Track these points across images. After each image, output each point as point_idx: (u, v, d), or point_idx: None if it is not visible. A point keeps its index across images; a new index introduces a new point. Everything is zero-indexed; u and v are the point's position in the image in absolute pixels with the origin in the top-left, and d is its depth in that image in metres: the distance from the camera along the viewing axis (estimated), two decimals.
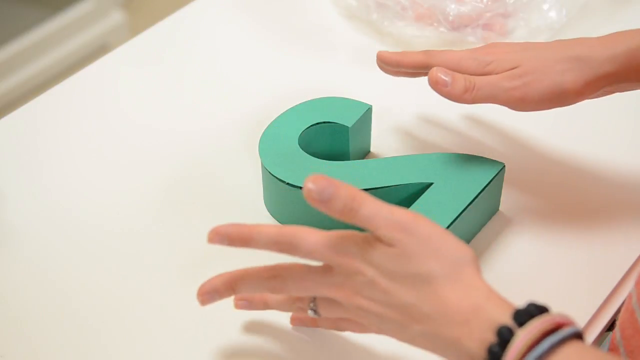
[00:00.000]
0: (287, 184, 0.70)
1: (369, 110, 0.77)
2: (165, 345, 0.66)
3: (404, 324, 0.54)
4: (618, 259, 0.71)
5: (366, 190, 0.70)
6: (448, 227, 0.67)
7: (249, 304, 0.64)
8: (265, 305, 0.63)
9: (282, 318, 0.66)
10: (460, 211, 0.68)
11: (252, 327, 0.67)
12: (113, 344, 0.66)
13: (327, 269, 0.56)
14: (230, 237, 0.57)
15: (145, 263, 0.71)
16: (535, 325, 0.49)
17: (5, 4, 1.90)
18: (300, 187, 0.70)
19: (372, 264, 0.54)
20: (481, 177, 0.70)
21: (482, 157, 0.72)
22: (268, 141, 0.73)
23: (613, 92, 0.71)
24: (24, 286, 0.70)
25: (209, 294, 0.60)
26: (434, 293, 0.52)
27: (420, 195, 0.69)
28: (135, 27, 1.98)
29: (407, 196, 0.71)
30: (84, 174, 0.80)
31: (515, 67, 0.68)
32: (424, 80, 0.85)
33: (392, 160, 0.72)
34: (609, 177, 0.78)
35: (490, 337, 0.50)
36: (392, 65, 0.73)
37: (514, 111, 0.73)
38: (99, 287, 0.70)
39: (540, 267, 0.71)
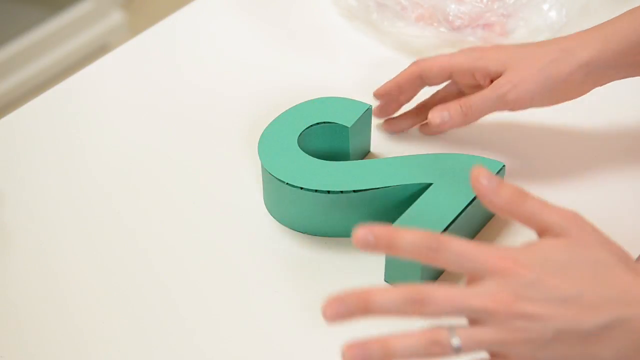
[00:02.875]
0: (287, 184, 0.70)
1: (369, 110, 0.77)
2: (165, 345, 0.66)
3: (580, 319, 0.48)
4: None
5: (366, 190, 0.70)
6: (448, 227, 0.67)
7: (364, 352, 0.49)
8: (386, 353, 0.49)
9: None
10: (460, 211, 0.68)
11: (251, 328, 0.67)
12: (113, 343, 0.66)
13: (475, 279, 0.50)
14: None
15: (145, 263, 0.71)
16: None
17: (5, 4, 1.90)
18: (301, 187, 0.70)
19: (531, 262, 0.49)
20: None
21: (482, 157, 0.72)
22: (267, 141, 0.73)
23: (608, 81, 0.73)
24: (24, 286, 0.70)
25: (339, 313, 0.49)
26: (616, 277, 0.49)
27: (420, 195, 0.69)
28: (135, 27, 1.98)
29: (407, 196, 0.70)
30: (83, 174, 0.80)
31: (502, 71, 0.72)
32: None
33: (392, 161, 0.72)
34: (609, 177, 0.78)
35: None
36: (386, 93, 0.78)
37: (513, 111, 0.74)
38: (98, 287, 0.70)
39: None
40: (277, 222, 0.74)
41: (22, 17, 1.88)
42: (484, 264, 0.49)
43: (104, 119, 0.85)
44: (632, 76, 0.74)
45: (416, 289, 0.49)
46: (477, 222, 0.72)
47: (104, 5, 1.95)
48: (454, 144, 0.80)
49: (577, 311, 0.48)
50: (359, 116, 0.75)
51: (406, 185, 0.70)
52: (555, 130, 0.82)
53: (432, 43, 0.91)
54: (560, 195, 0.76)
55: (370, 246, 0.50)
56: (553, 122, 0.82)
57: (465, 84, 0.76)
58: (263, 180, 0.74)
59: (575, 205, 0.75)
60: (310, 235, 0.73)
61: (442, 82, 0.77)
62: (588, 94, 0.74)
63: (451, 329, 0.49)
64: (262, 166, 0.72)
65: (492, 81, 0.74)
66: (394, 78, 0.78)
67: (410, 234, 0.50)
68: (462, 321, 0.50)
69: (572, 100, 0.74)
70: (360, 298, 0.49)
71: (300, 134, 0.74)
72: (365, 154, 0.80)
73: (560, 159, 0.80)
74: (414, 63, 0.76)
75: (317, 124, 0.75)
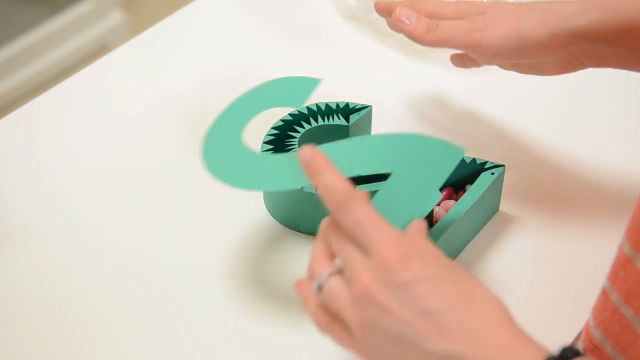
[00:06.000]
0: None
1: (369, 110, 0.77)
2: (165, 345, 0.66)
3: (429, 337, 0.48)
4: None
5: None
6: (447, 227, 0.67)
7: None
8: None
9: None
10: (460, 213, 0.68)
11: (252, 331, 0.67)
12: (113, 343, 0.66)
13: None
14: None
15: (146, 263, 0.71)
16: None
17: (5, 4, 1.90)
18: (301, 187, 0.70)
19: (415, 261, 0.50)
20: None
21: (443, 141, 0.64)
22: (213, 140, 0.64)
23: (599, 64, 0.68)
24: (23, 286, 0.70)
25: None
26: (472, 312, 0.48)
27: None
28: (135, 27, 1.98)
29: None
30: (83, 173, 0.79)
31: (483, 13, 0.68)
32: (424, 80, 0.86)
33: (352, 146, 0.61)
34: (609, 177, 0.78)
35: None
36: (384, 10, 0.73)
37: (514, 111, 0.73)
38: (98, 287, 0.70)
39: (540, 267, 0.71)
40: (277, 222, 0.74)
41: (22, 17, 1.88)
42: (374, 244, 0.50)
43: (104, 119, 0.85)
44: (628, 68, 0.68)
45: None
46: (477, 222, 0.72)
47: (104, 5, 1.95)
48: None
49: (431, 329, 0.48)
50: (358, 116, 0.75)
51: None
52: (555, 130, 0.82)
53: None
54: (560, 195, 0.76)
55: (305, 165, 0.54)
56: (554, 122, 0.82)
57: None
58: None
59: (576, 205, 0.75)
60: (310, 235, 0.73)
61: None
62: (588, 93, 0.73)
63: (327, 275, 0.52)
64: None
65: None
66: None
67: (332, 177, 0.52)
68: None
69: (572, 101, 0.74)
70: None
71: (302, 135, 0.74)
72: None
73: (560, 159, 0.79)
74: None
75: (318, 124, 0.75)
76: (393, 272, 0.49)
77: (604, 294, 0.58)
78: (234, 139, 0.63)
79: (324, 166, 0.54)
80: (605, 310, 0.58)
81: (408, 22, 0.68)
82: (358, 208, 0.51)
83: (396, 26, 0.69)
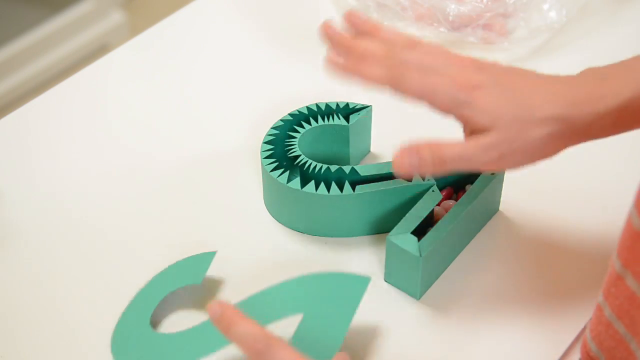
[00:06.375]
0: (287, 185, 0.70)
1: (369, 110, 0.77)
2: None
3: None
4: None
5: (364, 193, 0.70)
6: (448, 227, 0.67)
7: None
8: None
9: None
10: (460, 213, 0.68)
11: None
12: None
13: None
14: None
15: (145, 263, 0.71)
16: None
17: (5, 4, 1.90)
18: (300, 187, 0.70)
19: None
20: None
21: (347, 274, 0.65)
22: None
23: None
24: (24, 286, 0.70)
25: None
26: None
27: (421, 197, 0.69)
28: (135, 27, 1.98)
29: (407, 197, 0.70)
30: (83, 174, 0.80)
31: (490, 130, 0.58)
32: None
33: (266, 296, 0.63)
34: (609, 177, 0.78)
35: None
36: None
37: None
38: (98, 286, 0.70)
39: (540, 267, 0.71)
40: (277, 222, 0.74)
41: (22, 17, 1.88)
42: None
43: (104, 119, 0.85)
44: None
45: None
46: (477, 222, 0.72)
47: (104, 5, 1.95)
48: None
49: None
50: (359, 116, 0.75)
51: (406, 187, 0.70)
52: None
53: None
54: (560, 195, 0.76)
55: (216, 321, 0.55)
56: None
57: None
58: (263, 180, 0.74)
59: (576, 205, 0.75)
60: (310, 235, 0.73)
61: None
62: None
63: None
64: (262, 167, 0.72)
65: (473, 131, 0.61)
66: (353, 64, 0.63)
67: (246, 326, 0.54)
68: None
69: None
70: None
71: (302, 135, 0.74)
72: (365, 154, 0.80)
73: (560, 159, 0.79)
74: (389, 78, 0.61)
75: (318, 125, 0.75)
76: None
77: (598, 308, 0.58)
78: (142, 328, 0.65)
79: (236, 316, 0.54)
80: (599, 325, 0.59)
81: (412, 168, 0.60)
82: (280, 352, 0.53)
83: (399, 172, 0.60)
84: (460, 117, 0.60)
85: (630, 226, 0.53)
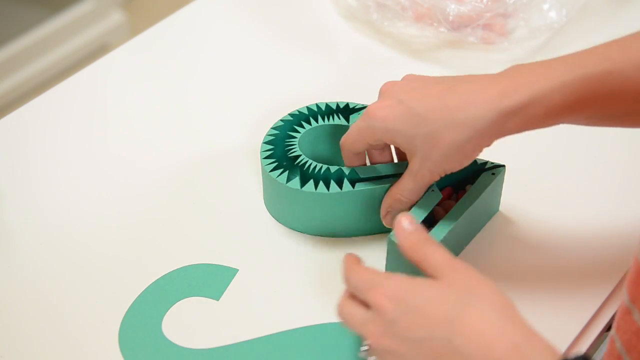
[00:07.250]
0: (287, 185, 0.70)
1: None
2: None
3: None
4: (618, 258, 0.71)
5: (364, 189, 0.70)
6: (448, 227, 0.67)
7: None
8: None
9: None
10: (460, 213, 0.68)
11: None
12: (113, 343, 0.66)
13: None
14: None
15: (145, 264, 0.71)
16: None
17: (5, 4, 1.90)
18: (300, 187, 0.70)
19: (398, 301, 0.54)
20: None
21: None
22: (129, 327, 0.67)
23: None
24: (23, 286, 0.70)
25: None
26: (468, 326, 0.51)
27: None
28: (135, 27, 1.98)
29: None
30: (83, 174, 0.79)
31: (412, 152, 0.64)
32: None
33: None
34: (609, 178, 0.78)
35: None
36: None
37: None
38: (98, 287, 0.70)
39: (540, 267, 0.70)
40: (277, 222, 0.74)
41: (22, 17, 1.88)
42: (369, 297, 0.55)
43: (104, 119, 0.85)
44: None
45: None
46: (477, 222, 0.72)
47: (104, 5, 1.95)
48: None
49: (428, 352, 0.52)
50: (359, 116, 0.75)
51: None
52: (555, 130, 0.81)
53: (432, 43, 0.91)
54: (560, 196, 0.76)
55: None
56: None
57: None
58: (263, 180, 0.74)
59: (576, 205, 0.75)
60: (310, 235, 0.73)
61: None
62: None
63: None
64: (262, 167, 0.72)
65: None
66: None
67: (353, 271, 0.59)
68: None
69: None
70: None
71: (302, 135, 0.74)
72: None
73: (560, 159, 0.79)
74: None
75: (318, 125, 0.75)
76: (385, 314, 0.54)
77: (612, 340, 0.59)
78: (153, 327, 0.66)
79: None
80: (612, 357, 0.59)
81: (390, 221, 0.69)
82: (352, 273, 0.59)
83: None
84: (394, 144, 0.67)
85: (638, 262, 0.54)
